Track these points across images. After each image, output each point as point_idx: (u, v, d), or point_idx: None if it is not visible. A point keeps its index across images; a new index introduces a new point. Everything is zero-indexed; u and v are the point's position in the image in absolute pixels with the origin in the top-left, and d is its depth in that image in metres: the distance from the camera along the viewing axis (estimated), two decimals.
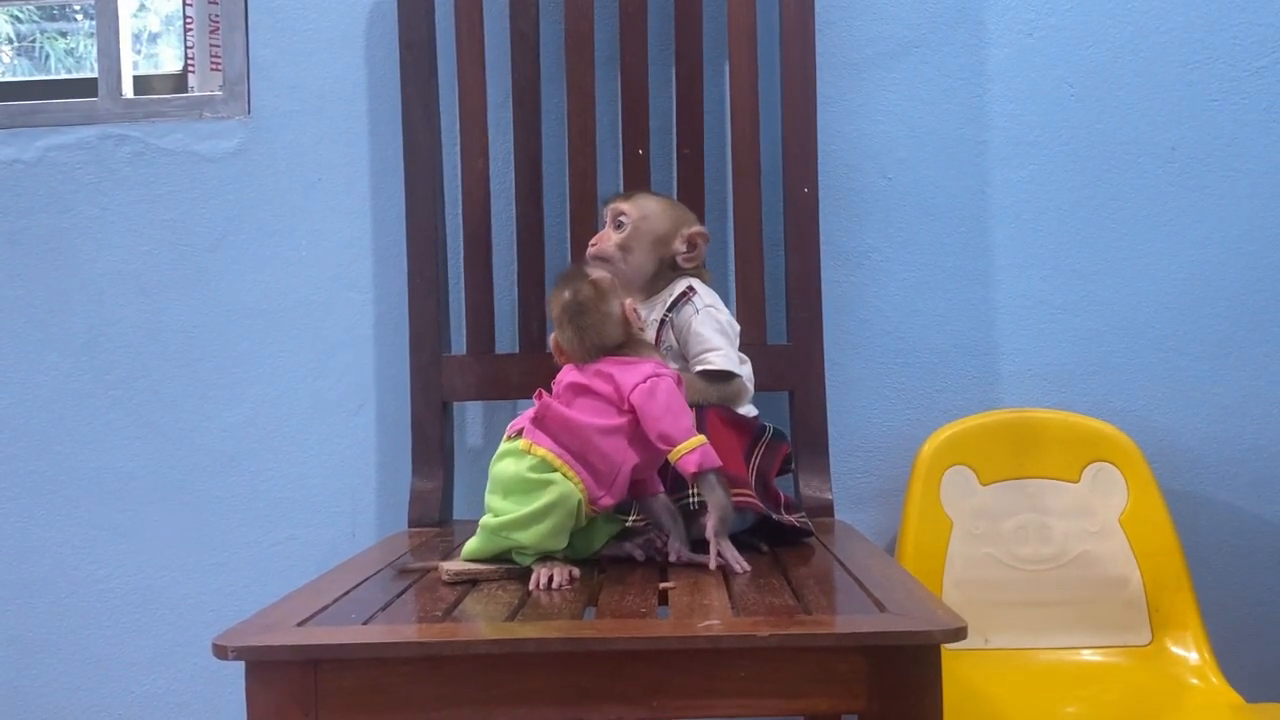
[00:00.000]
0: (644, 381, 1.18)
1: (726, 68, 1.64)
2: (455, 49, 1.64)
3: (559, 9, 1.64)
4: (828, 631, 0.95)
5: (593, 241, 1.43)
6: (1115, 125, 1.69)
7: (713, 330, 1.39)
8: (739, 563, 1.17)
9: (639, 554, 1.25)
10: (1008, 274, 1.69)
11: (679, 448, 1.16)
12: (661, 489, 1.24)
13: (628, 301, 1.25)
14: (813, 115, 1.60)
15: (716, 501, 1.17)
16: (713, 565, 1.17)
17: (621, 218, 1.43)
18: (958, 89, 1.70)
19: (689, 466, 1.16)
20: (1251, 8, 1.67)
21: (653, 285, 1.44)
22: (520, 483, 1.15)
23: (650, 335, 1.38)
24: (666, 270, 1.44)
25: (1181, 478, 1.67)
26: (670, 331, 1.41)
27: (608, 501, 1.18)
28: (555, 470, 1.15)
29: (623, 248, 1.42)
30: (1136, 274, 1.68)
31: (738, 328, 1.45)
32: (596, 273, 1.29)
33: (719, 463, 1.18)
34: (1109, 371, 1.68)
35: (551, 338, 1.27)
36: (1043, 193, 1.69)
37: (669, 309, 1.41)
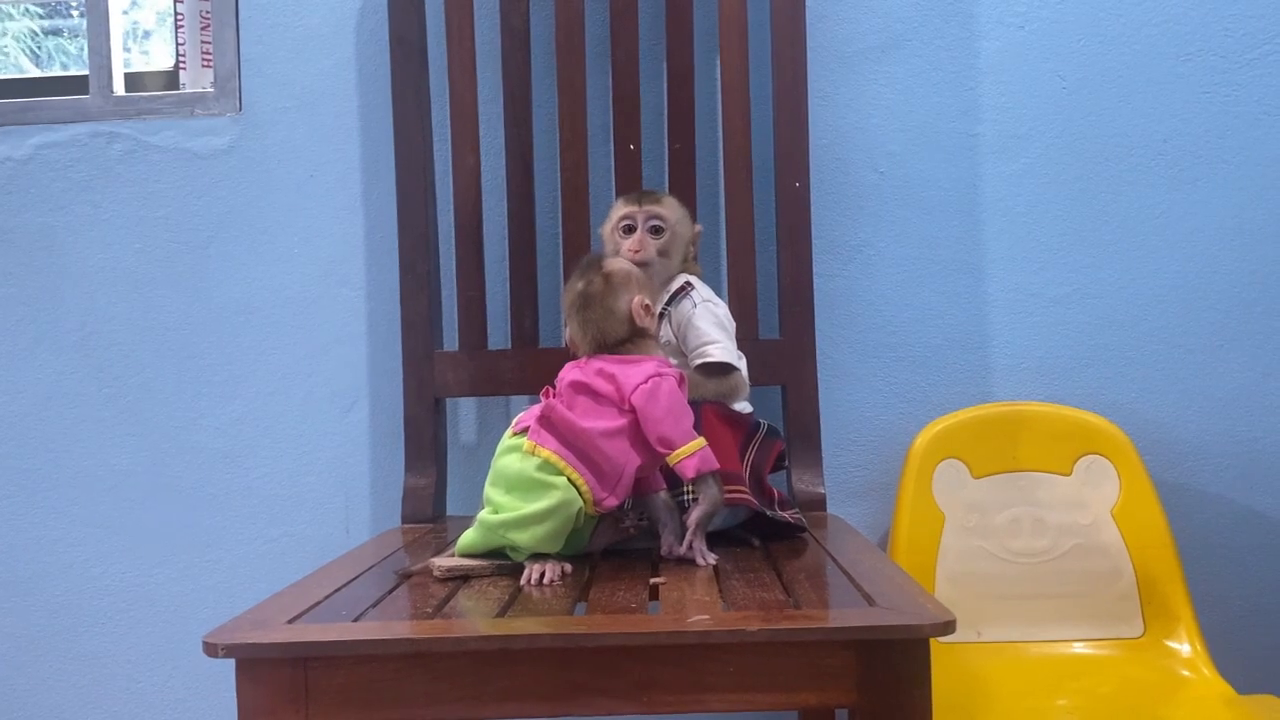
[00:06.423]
0: (645, 382, 1.18)
1: (717, 63, 1.64)
2: (446, 45, 1.64)
3: (549, 4, 1.63)
4: (817, 626, 0.95)
5: (632, 249, 1.40)
6: (1107, 118, 1.69)
7: (711, 324, 1.40)
8: (703, 556, 1.19)
9: (632, 527, 1.25)
10: (1000, 267, 1.69)
11: (678, 452, 1.17)
12: (663, 487, 1.24)
13: (637, 299, 1.25)
14: (804, 110, 1.60)
15: (709, 497, 1.19)
16: (683, 551, 1.19)
17: (658, 222, 1.42)
18: (949, 82, 1.70)
19: (687, 471, 1.17)
20: (1243, 0, 1.67)
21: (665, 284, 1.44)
22: (524, 481, 1.15)
23: None
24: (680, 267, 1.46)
25: (1174, 470, 1.67)
26: (668, 326, 1.41)
27: (612, 502, 1.18)
28: (560, 473, 1.15)
29: (663, 253, 1.42)
30: (1129, 267, 1.68)
31: (734, 323, 1.45)
32: (614, 264, 1.28)
33: (717, 465, 1.19)
34: (1101, 364, 1.68)
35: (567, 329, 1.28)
36: (1035, 186, 1.69)
37: (667, 303, 1.42)
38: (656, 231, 1.42)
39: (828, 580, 1.14)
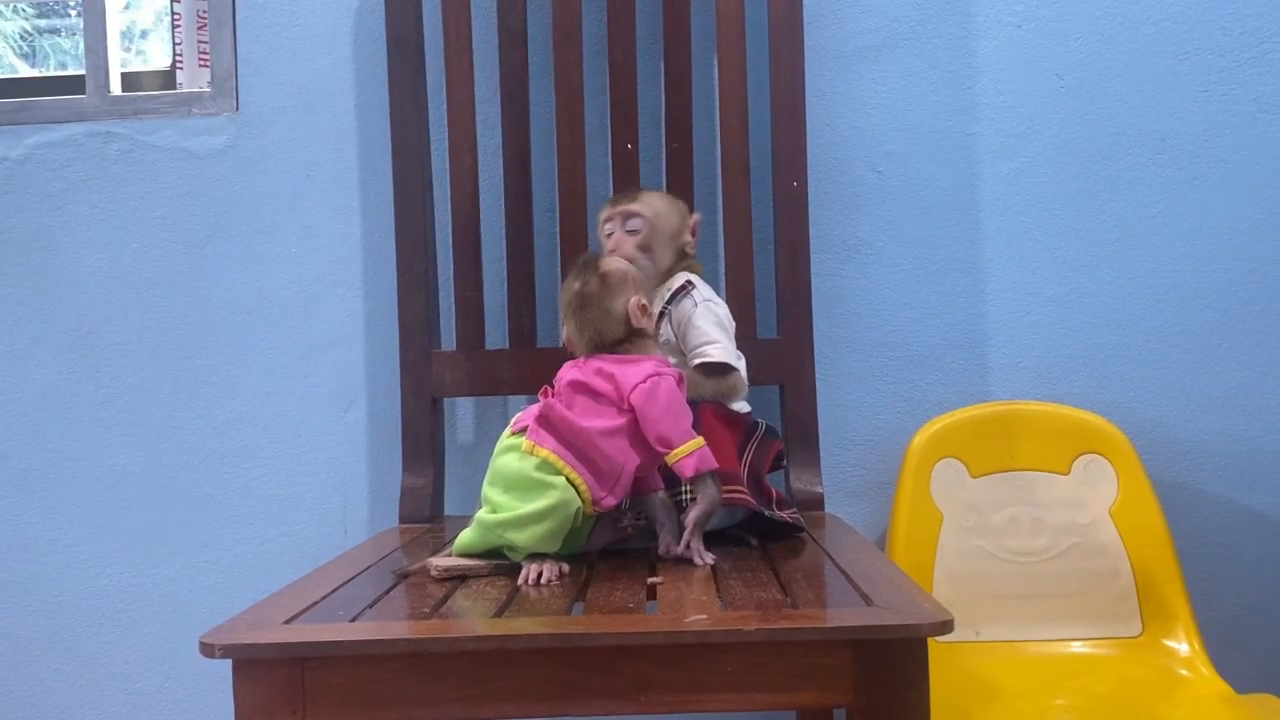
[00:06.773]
0: (644, 381, 1.18)
1: (715, 62, 1.64)
2: (443, 44, 1.63)
3: (547, 4, 1.63)
4: (815, 626, 0.95)
5: (610, 248, 1.40)
6: (1105, 116, 1.69)
7: (711, 324, 1.40)
8: (700, 555, 1.19)
9: (630, 527, 1.25)
10: (998, 266, 1.69)
11: (676, 451, 1.16)
12: (661, 486, 1.24)
13: (634, 299, 1.25)
14: (801, 109, 1.60)
15: (708, 496, 1.19)
16: (680, 550, 1.19)
17: (634, 220, 1.41)
18: (947, 81, 1.70)
19: (686, 471, 1.17)
20: None
21: (661, 279, 1.44)
22: (522, 480, 1.15)
23: None
24: (677, 263, 1.45)
25: (1172, 469, 1.67)
26: (669, 325, 1.41)
27: (610, 502, 1.17)
28: (559, 473, 1.15)
29: (643, 248, 1.41)
30: (1127, 266, 1.68)
31: (734, 323, 1.45)
32: (611, 264, 1.28)
33: (716, 465, 1.19)
34: (1099, 363, 1.68)
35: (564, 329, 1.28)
36: (1033, 185, 1.69)
37: (667, 302, 1.42)
38: (633, 231, 1.41)
39: (825, 580, 1.14)
